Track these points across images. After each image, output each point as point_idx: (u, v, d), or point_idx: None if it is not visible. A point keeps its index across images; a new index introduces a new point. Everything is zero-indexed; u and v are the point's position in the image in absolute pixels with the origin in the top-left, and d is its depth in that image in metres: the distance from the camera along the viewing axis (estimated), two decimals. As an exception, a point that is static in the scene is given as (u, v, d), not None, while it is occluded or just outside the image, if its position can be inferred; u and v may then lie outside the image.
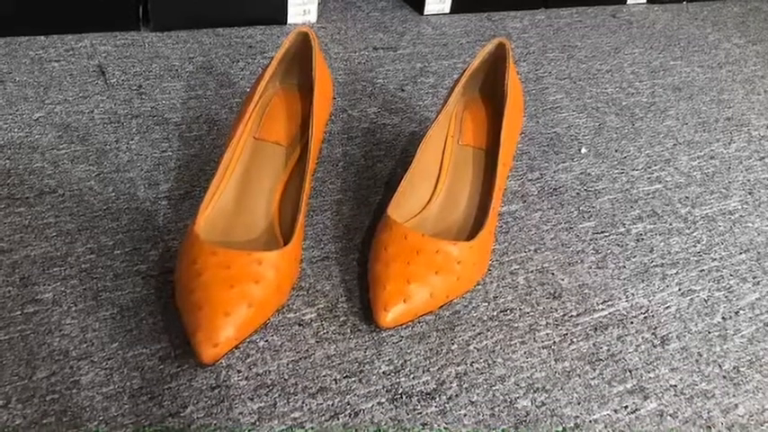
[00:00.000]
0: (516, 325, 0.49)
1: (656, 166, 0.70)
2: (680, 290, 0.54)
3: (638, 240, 0.59)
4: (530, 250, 0.56)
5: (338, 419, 0.41)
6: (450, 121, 0.58)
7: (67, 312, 0.44)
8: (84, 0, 0.72)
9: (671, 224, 0.61)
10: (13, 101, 0.63)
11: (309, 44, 0.53)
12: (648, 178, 0.67)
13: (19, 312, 0.43)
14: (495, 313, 0.49)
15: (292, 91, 0.56)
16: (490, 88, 0.59)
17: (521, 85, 0.57)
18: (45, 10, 0.72)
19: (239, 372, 0.42)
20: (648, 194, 0.65)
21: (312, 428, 0.40)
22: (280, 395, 0.41)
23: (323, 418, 0.40)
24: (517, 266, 0.54)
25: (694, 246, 0.59)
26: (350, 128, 0.67)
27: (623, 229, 0.60)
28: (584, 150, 0.70)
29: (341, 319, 0.47)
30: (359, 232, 0.54)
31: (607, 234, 0.59)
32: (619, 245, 0.58)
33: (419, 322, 0.47)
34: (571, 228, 0.59)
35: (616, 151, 0.71)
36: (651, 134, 0.75)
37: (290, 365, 0.43)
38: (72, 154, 0.58)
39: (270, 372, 0.42)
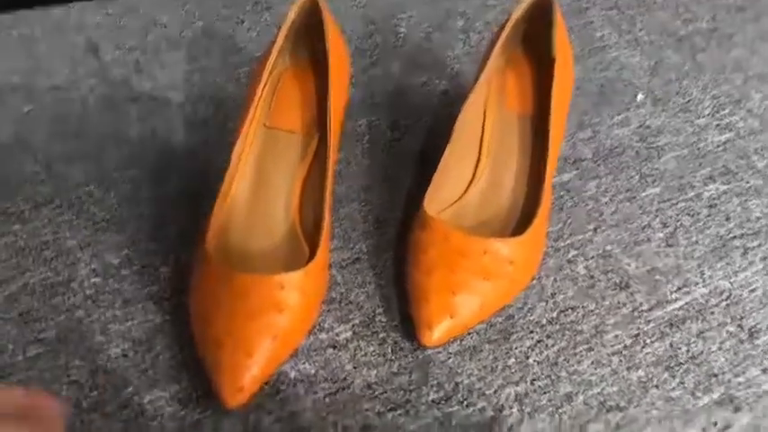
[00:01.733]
0: (580, 327, 0.42)
1: (724, 109, 0.61)
2: (765, 267, 0.47)
3: (710, 207, 0.51)
4: (588, 230, 0.49)
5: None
6: (489, 84, 0.50)
7: (75, 353, 0.39)
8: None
9: (747, 182, 0.54)
10: (0, 92, 0.57)
11: (318, 13, 0.45)
12: (717, 126, 0.59)
13: (21, 357, 0.39)
14: (554, 315, 0.43)
15: (304, 67, 0.49)
16: (534, 42, 0.50)
17: (569, 40, 0.49)
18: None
19: (270, 413, 0.37)
20: (719, 147, 0.57)
21: (357, 478, 0.35)
22: (318, 439, 0.36)
23: (368, 464, 0.36)
24: (575, 252, 0.47)
25: (777, 208, 0.51)
26: (372, 92, 0.60)
27: (693, 194, 0.52)
28: (640, 97, 0.61)
29: (380, 336, 0.41)
30: (391, 225, 0.48)
31: (675, 201, 0.52)
32: (689, 214, 0.51)
33: (469, 334, 0.41)
34: (633, 197, 0.51)
35: (677, 94, 0.62)
36: (716, 69, 0.66)
37: (327, 399, 0.38)
38: (67, 153, 0.52)
39: (305, 410, 0.38)
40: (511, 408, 0.38)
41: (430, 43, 0.66)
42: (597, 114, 0.59)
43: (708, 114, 0.60)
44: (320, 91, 0.48)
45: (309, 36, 0.47)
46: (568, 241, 0.48)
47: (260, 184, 0.44)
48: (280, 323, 0.36)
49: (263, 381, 0.36)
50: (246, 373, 0.35)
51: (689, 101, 0.61)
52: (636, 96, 0.61)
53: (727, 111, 0.61)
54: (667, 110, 0.60)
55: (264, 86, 0.46)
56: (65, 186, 0.49)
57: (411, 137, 0.55)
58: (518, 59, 0.51)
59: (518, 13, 0.47)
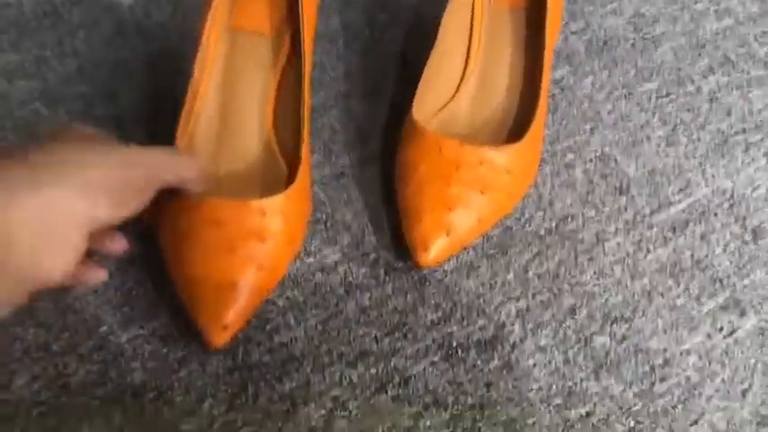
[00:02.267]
0: (580, 236, 0.40)
1: (723, -7, 0.57)
2: (768, 162, 0.45)
3: (711, 100, 0.48)
4: (585, 131, 0.46)
5: (386, 392, 0.34)
6: (476, -27, 0.45)
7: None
8: None
9: (748, 72, 0.51)
10: None
11: None
12: (715, 11, 0.55)
13: None
14: (553, 224, 0.41)
15: None
16: None
17: None
18: None
19: (259, 344, 0.35)
20: (717, 34, 0.53)
21: (357, 407, 0.33)
22: (313, 369, 0.34)
23: (368, 392, 0.34)
24: (573, 155, 0.44)
25: (779, 99, 0.49)
26: (346, -16, 0.54)
27: (692, 87, 0.49)
28: (634, -18, 0.57)
29: (371, 257, 0.38)
30: (375, 134, 0.44)
31: (674, 96, 0.48)
32: (689, 109, 0.48)
33: (465, 250, 0.39)
34: (631, 93, 0.48)
35: (673, -22, 0.58)
36: (713, -52, 0.61)
37: (319, 327, 0.36)
38: (6, 67, 0.46)
39: (296, 339, 0.35)
40: (512, 325, 0.37)
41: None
42: (590, 2, 0.55)
43: (705, -1, 0.56)
44: None
45: None
46: (565, 144, 0.45)
47: (228, 97, 0.40)
48: (263, 252, 0.33)
49: (249, 316, 0.33)
50: (230, 311, 0.32)
51: (685, -16, 0.57)
52: (630, -19, 0.57)
53: (725, -6, 0.56)
54: (663, -5, 0.56)
55: None
56: (8, 105, 0.44)
57: (391, 35, 0.51)
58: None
59: None
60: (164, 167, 0.30)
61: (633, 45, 0.52)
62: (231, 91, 0.40)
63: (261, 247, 0.33)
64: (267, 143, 0.39)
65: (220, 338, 0.32)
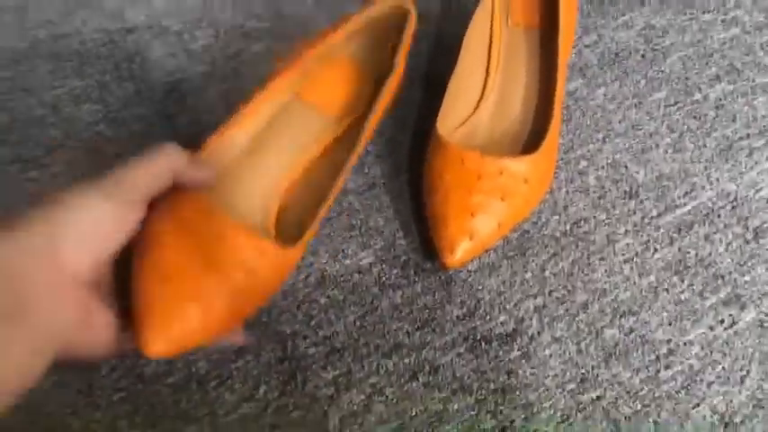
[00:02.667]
0: (592, 238, 0.44)
1: (729, 2, 0.60)
2: (770, 166, 0.48)
3: (717, 108, 0.52)
4: (597, 140, 0.49)
5: (418, 379, 0.38)
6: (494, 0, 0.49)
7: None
8: None
9: (753, 80, 0.54)
10: (-9, 31, 0.55)
11: (404, 25, 0.42)
12: (723, 21, 0.58)
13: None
14: (567, 227, 0.45)
15: (363, 66, 0.46)
16: (538, -52, 0.49)
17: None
18: None
19: (305, 337, 0.40)
20: (724, 44, 0.56)
21: (393, 393, 0.38)
22: (353, 359, 0.39)
23: (402, 379, 0.38)
24: (586, 163, 0.48)
25: (782, 105, 0.52)
26: (373, 7, 0.58)
27: (699, 96, 0.53)
28: (645, -5, 0.60)
29: (402, 259, 0.43)
30: (403, 146, 0.48)
31: (681, 104, 0.52)
32: (696, 117, 0.51)
33: (487, 251, 0.43)
34: (641, 103, 0.52)
35: (682, -11, 0.61)
36: (722, -41, 0.64)
37: (357, 322, 0.40)
38: (72, 92, 0.51)
39: (338, 333, 0.40)
40: (531, 319, 0.41)
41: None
42: (602, 14, 0.58)
43: (713, 9, 0.59)
44: (368, 89, 0.45)
45: (382, 38, 0.44)
46: (578, 152, 0.49)
47: (254, 149, 0.42)
48: (243, 282, 0.33)
49: (199, 341, 0.31)
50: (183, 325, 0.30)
51: (694, -4, 0.60)
52: (640, -6, 0.60)
53: (732, 4, 0.60)
54: (672, 7, 0.59)
55: (313, 59, 0.43)
56: (74, 127, 0.49)
57: (416, 56, 0.55)
58: (523, -32, 0.50)
59: None
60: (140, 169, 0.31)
61: (643, 56, 0.55)
62: (260, 146, 0.43)
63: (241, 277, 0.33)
64: (266, 213, 0.40)
65: (156, 348, 0.29)
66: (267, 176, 0.41)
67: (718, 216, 0.46)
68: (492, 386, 0.38)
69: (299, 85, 0.44)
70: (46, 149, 0.47)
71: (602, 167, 0.48)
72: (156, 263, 0.31)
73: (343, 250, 0.43)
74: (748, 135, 0.50)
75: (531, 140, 0.46)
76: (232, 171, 0.41)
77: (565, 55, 0.46)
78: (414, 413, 0.37)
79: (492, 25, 0.48)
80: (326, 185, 0.39)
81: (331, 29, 0.42)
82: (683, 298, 0.42)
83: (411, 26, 0.42)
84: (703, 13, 0.59)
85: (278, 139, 0.43)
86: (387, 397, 0.38)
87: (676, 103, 0.52)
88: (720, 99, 0.52)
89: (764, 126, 0.51)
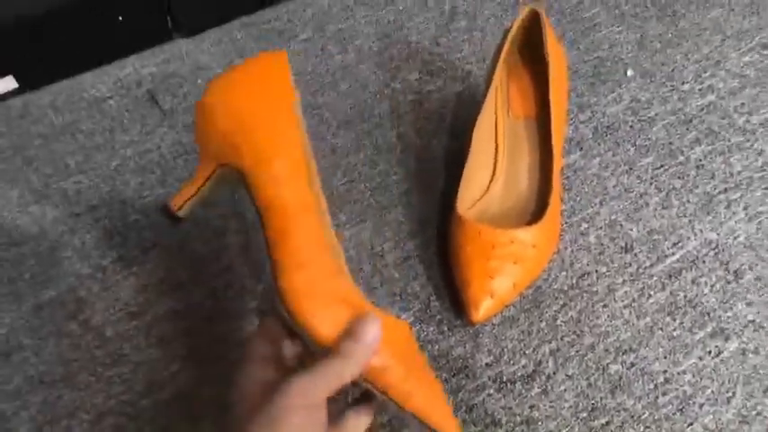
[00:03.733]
0: (595, 289, 0.53)
1: (705, 73, 0.69)
2: (746, 215, 0.57)
3: (698, 167, 0.60)
4: (595, 204, 0.58)
5: (457, 417, 0.47)
6: (496, 93, 0.59)
7: (204, 363, 0.51)
8: (113, 22, 0.74)
9: (729, 140, 0.62)
10: (89, 153, 0.68)
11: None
12: (700, 90, 0.67)
13: (167, 373, 0.51)
14: (574, 281, 0.53)
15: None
16: (530, 51, 0.59)
17: (561, 47, 0.58)
18: (81, 44, 0.74)
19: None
20: (702, 110, 0.65)
21: (436, 430, 0.47)
22: (402, 404, 0.48)
23: (443, 418, 0.47)
24: (586, 225, 0.57)
25: (756, 160, 0.60)
26: (397, 104, 0.69)
27: (682, 158, 0.61)
28: (630, 73, 0.70)
29: (437, 318, 0.52)
30: (431, 224, 0.58)
31: (667, 167, 0.61)
32: (680, 177, 0.60)
33: (506, 307, 0.52)
34: (631, 169, 0.61)
35: (663, 65, 0.70)
36: (696, 33, 0.74)
37: (404, 373, 0.49)
38: (157, 199, 0.63)
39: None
40: (547, 361, 0.49)
41: (439, 48, 0.75)
42: (594, 93, 0.68)
43: (691, 80, 0.68)
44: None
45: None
46: (579, 216, 0.58)
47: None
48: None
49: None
50: None
51: (673, 69, 0.70)
52: (626, 72, 0.70)
53: (707, 74, 0.69)
54: (655, 81, 0.69)
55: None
56: (164, 230, 0.60)
57: (436, 141, 0.65)
58: (518, 68, 0.60)
59: (514, 27, 0.56)
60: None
61: (632, 127, 0.65)
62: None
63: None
64: None
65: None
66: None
67: (703, 262, 0.54)
68: (518, 419, 0.47)
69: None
70: (142, 250, 0.59)
71: (601, 227, 0.57)
72: None
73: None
74: (726, 189, 0.58)
75: (537, 211, 0.55)
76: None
77: (558, 137, 0.56)
78: (455, 445, 0.46)
79: (496, 116, 0.59)
80: None
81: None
82: (675, 334, 0.50)
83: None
84: (682, 83, 0.68)
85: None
86: (432, 433, 0.46)
87: (662, 165, 0.61)
88: (700, 159, 0.61)
89: (740, 180, 0.59)
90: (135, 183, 0.64)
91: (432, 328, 0.51)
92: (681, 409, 0.46)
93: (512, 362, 0.49)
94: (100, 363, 0.51)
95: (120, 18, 0.74)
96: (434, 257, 0.56)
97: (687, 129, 0.63)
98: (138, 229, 0.60)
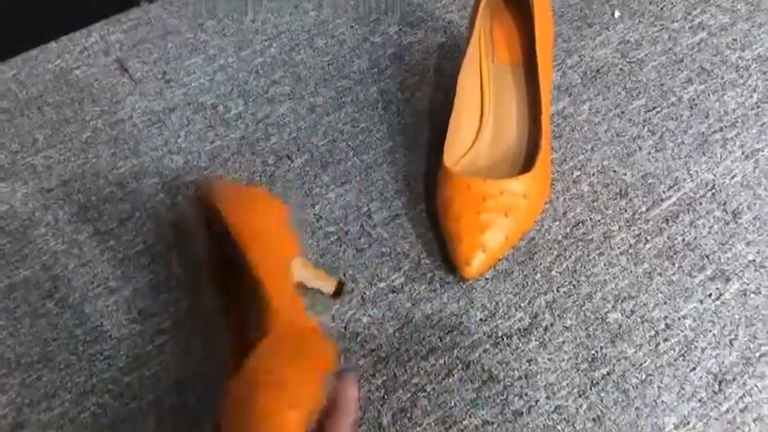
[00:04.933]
0: (590, 237, 0.51)
1: (695, 10, 0.66)
2: (743, 153, 0.55)
3: (691, 108, 0.58)
4: (587, 150, 0.56)
5: (453, 375, 0.45)
6: (480, 39, 0.56)
7: (192, 334, 0.49)
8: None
9: (722, 77, 0.60)
10: (57, 126, 0.65)
11: None
12: (690, 27, 0.65)
13: (150, 347, 0.49)
14: (568, 230, 0.51)
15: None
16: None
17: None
18: (44, 14, 0.71)
19: (355, 352, 0.47)
20: (693, 48, 0.63)
21: (433, 389, 0.45)
22: (396, 365, 0.46)
23: (440, 377, 0.45)
24: (578, 172, 0.55)
25: (750, 97, 0.58)
26: (377, 59, 0.66)
27: (674, 99, 0.59)
28: (617, 14, 0.67)
29: (428, 276, 0.50)
30: (418, 180, 0.56)
31: (659, 109, 0.59)
32: (673, 118, 0.58)
33: (499, 261, 0.50)
34: (623, 113, 0.59)
35: (651, 3, 0.68)
36: (685, -31, 0.71)
37: (396, 334, 0.48)
38: (132, 169, 0.60)
39: (381, 345, 0.47)
40: (543, 313, 0.48)
41: None
42: (581, 37, 0.65)
43: (680, 18, 0.66)
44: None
45: None
46: (571, 164, 0.56)
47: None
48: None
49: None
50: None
51: (662, 8, 0.67)
52: (613, 14, 0.67)
53: (698, 10, 0.66)
54: (643, 21, 0.66)
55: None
56: (139, 200, 0.58)
57: (420, 95, 0.63)
58: (501, 12, 0.57)
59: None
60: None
61: (621, 69, 0.62)
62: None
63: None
64: None
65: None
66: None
67: (700, 204, 0.52)
68: (516, 374, 0.45)
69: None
70: (119, 222, 0.56)
71: (593, 174, 0.55)
72: None
73: (377, 274, 0.51)
74: (721, 128, 0.56)
75: (527, 160, 0.53)
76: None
77: (546, 83, 0.53)
78: (453, 404, 0.44)
79: (481, 64, 0.56)
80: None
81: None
82: (674, 279, 0.48)
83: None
84: (672, 22, 0.65)
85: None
86: (428, 393, 0.45)
87: (654, 107, 0.59)
88: (694, 99, 0.59)
89: (735, 118, 0.57)
90: (107, 154, 0.61)
91: (423, 287, 0.49)
92: (683, 355, 0.45)
93: (507, 316, 0.48)
94: (80, 341, 0.49)
95: (81, -18, 0.71)
96: (423, 215, 0.54)
97: (679, 68, 0.61)
98: (114, 201, 0.58)
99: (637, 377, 0.44)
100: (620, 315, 0.47)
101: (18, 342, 0.49)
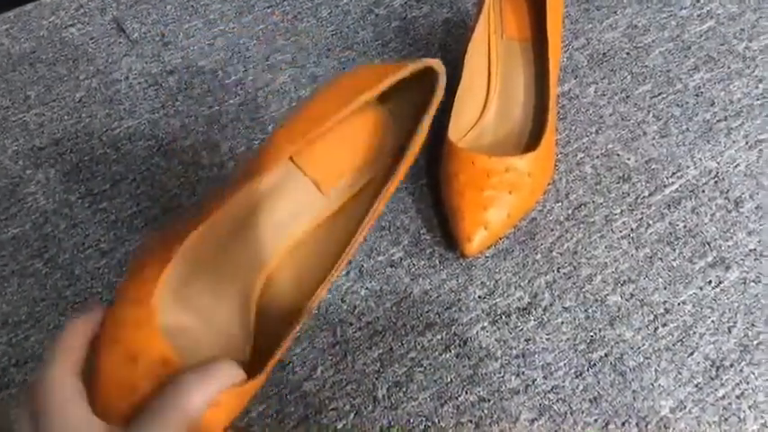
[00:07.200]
0: (592, 219, 0.50)
1: (704, -3, 0.66)
2: (747, 143, 0.54)
3: (697, 95, 0.58)
4: (591, 132, 0.56)
5: (450, 351, 0.45)
6: (488, 14, 0.55)
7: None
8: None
9: (729, 67, 0.60)
10: (50, 84, 0.63)
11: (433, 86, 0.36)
12: (699, 15, 0.64)
13: (142, 311, 0.48)
14: (570, 212, 0.51)
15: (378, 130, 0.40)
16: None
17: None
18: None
19: (351, 324, 0.46)
20: (701, 36, 0.62)
21: (429, 364, 0.44)
22: (393, 339, 0.46)
23: (436, 352, 0.45)
24: (582, 154, 0.54)
25: (756, 87, 0.58)
26: (381, 31, 0.65)
27: (680, 86, 0.59)
28: (626, -2, 0.66)
29: (427, 252, 0.49)
30: (421, 153, 0.55)
31: (665, 95, 0.58)
32: (678, 105, 0.57)
33: (500, 239, 0.50)
34: (628, 97, 0.58)
35: (660, -11, 0.67)
36: (695, -43, 0.70)
37: (394, 308, 0.47)
38: (127, 130, 0.59)
39: (378, 318, 0.46)
40: (543, 293, 0.47)
41: (426, -26, 0.71)
42: (588, 20, 0.65)
43: (689, 5, 0.65)
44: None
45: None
46: (575, 145, 0.55)
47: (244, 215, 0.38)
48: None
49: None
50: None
51: (671, -6, 0.66)
52: (622, -3, 0.66)
53: (707, -1, 0.66)
54: (651, 6, 0.65)
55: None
56: (134, 162, 0.56)
57: (424, 70, 0.61)
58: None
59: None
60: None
61: (628, 54, 0.61)
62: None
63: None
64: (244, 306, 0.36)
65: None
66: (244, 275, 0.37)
67: (703, 191, 0.52)
68: (514, 352, 0.45)
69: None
70: (112, 184, 0.55)
71: (597, 157, 0.54)
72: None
73: (376, 248, 0.50)
74: (726, 117, 0.56)
75: (532, 139, 0.52)
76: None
77: (555, 62, 0.53)
78: (449, 379, 0.44)
79: (489, 40, 0.55)
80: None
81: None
82: (674, 264, 0.48)
83: (440, 89, 0.36)
84: (680, 9, 0.65)
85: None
86: (425, 368, 0.44)
87: (660, 93, 0.58)
88: (699, 87, 0.58)
89: (740, 108, 0.57)
90: (102, 115, 0.60)
91: (422, 262, 0.49)
92: (681, 340, 0.45)
93: (506, 294, 0.47)
94: (69, 302, 0.48)
95: (80, -63, 0.69)
96: (424, 189, 0.53)
97: (685, 56, 0.61)
98: (107, 162, 0.56)
99: (634, 360, 0.44)
100: (619, 298, 0.47)
101: (5, 301, 0.48)
